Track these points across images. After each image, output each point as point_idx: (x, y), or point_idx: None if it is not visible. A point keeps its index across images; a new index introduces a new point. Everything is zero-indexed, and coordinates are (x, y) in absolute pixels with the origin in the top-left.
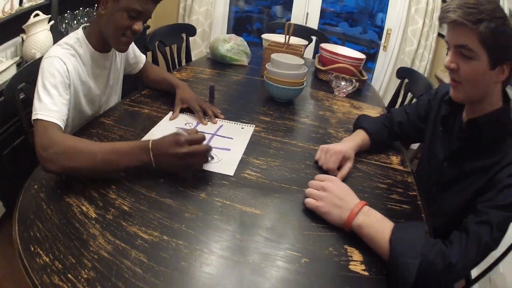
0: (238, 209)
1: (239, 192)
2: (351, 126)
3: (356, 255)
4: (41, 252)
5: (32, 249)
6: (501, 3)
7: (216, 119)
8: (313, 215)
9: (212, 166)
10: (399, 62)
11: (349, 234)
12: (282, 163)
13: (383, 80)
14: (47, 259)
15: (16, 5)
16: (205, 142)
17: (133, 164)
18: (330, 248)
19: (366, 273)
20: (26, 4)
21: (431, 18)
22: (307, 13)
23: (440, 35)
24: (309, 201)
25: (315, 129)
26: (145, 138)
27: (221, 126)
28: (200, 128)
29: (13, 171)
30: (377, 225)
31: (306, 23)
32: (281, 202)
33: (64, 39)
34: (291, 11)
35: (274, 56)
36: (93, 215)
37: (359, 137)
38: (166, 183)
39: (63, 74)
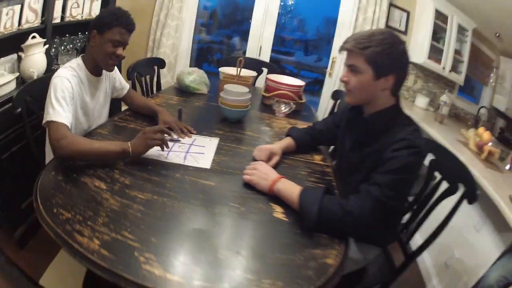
0: (201, 183)
1: (201, 174)
2: (284, 136)
3: (278, 208)
4: (63, 212)
5: (55, 211)
6: (449, 19)
7: (191, 134)
8: (249, 186)
9: (192, 163)
10: (342, 86)
11: (274, 198)
12: (230, 158)
13: (328, 102)
14: (69, 215)
15: (15, 24)
16: (185, 149)
17: (121, 150)
18: (260, 204)
19: (286, 218)
20: (25, 25)
21: None
22: (260, 46)
23: None
24: (245, 176)
25: (256, 138)
26: None
27: (195, 139)
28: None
29: (11, 174)
30: (290, 188)
31: (259, 55)
32: (228, 179)
33: (69, 64)
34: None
35: (226, 86)
36: (104, 187)
37: (286, 141)
38: (154, 169)
39: (69, 90)
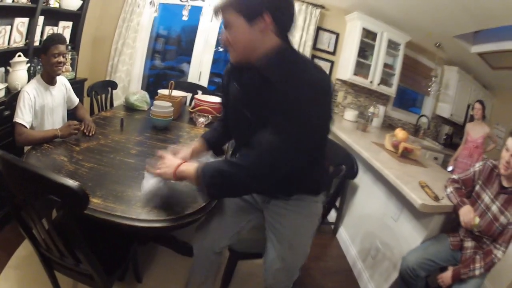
0: (126, 160)
1: (127, 155)
2: (196, 139)
3: None
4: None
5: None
6: (378, 36)
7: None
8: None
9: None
10: None
11: None
12: (148, 149)
13: None
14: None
15: (6, 42)
16: None
17: (53, 134)
18: None
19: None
20: (13, 45)
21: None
22: (200, 72)
23: None
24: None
25: (173, 140)
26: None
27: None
28: None
29: None
30: (188, 168)
31: (199, 79)
32: (143, 159)
33: (33, 79)
34: None
35: (155, 102)
36: (66, 160)
37: (194, 144)
38: (97, 154)
39: (28, 101)
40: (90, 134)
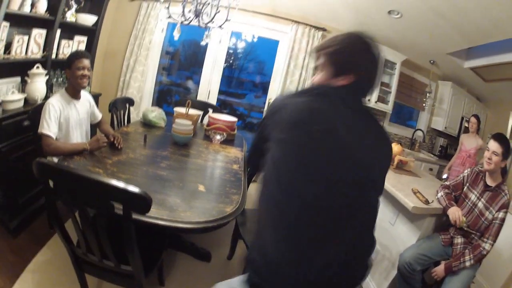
0: (158, 172)
1: (157, 168)
2: (215, 155)
3: (201, 186)
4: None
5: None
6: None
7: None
8: (187, 175)
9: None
10: None
11: (201, 181)
12: (176, 163)
13: None
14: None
15: (23, 52)
16: None
17: (82, 148)
18: (192, 183)
19: (204, 190)
20: (31, 56)
21: (303, 85)
22: (209, 90)
23: None
24: None
25: (194, 154)
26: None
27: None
28: None
29: (14, 173)
30: None
31: (208, 97)
32: (174, 172)
33: (57, 93)
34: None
35: (176, 120)
36: (101, 171)
37: None
38: (131, 166)
39: (54, 113)
40: (120, 147)
